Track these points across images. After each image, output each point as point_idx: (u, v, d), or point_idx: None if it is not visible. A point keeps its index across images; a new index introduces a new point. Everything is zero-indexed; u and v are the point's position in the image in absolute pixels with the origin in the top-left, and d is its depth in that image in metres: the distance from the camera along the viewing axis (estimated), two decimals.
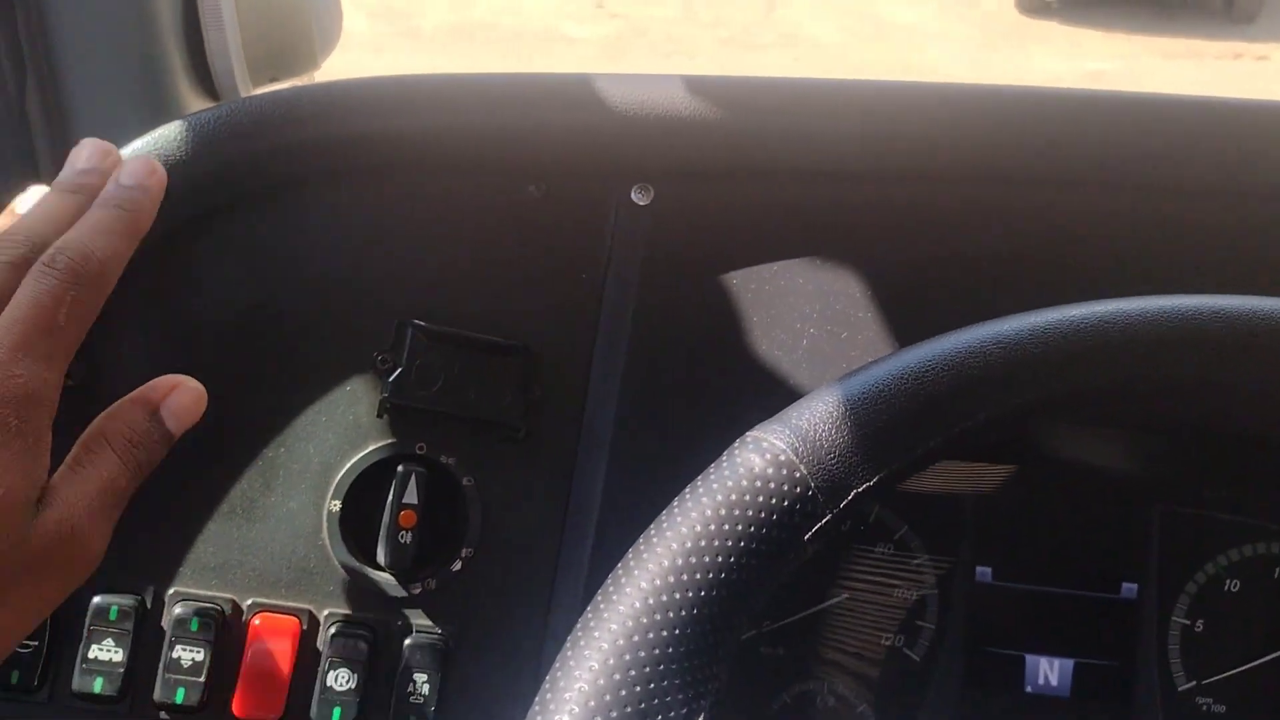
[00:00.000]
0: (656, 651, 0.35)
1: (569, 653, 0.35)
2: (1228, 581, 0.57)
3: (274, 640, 0.50)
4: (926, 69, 5.48)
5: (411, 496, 0.51)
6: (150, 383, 0.45)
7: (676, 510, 0.38)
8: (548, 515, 0.54)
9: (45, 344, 0.40)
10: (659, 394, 0.55)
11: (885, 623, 0.61)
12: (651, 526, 0.38)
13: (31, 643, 0.48)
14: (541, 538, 0.54)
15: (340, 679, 0.51)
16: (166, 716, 0.50)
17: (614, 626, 0.35)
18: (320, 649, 0.51)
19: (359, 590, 0.52)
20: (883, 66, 5.42)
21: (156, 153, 0.51)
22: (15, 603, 0.39)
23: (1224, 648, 0.57)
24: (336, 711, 0.51)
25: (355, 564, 0.52)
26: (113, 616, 0.49)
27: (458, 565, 0.53)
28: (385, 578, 0.52)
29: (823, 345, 0.55)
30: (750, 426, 0.41)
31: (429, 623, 0.53)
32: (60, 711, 0.49)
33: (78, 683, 0.48)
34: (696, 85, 0.55)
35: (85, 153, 0.47)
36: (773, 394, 0.55)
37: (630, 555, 0.38)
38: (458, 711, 0.53)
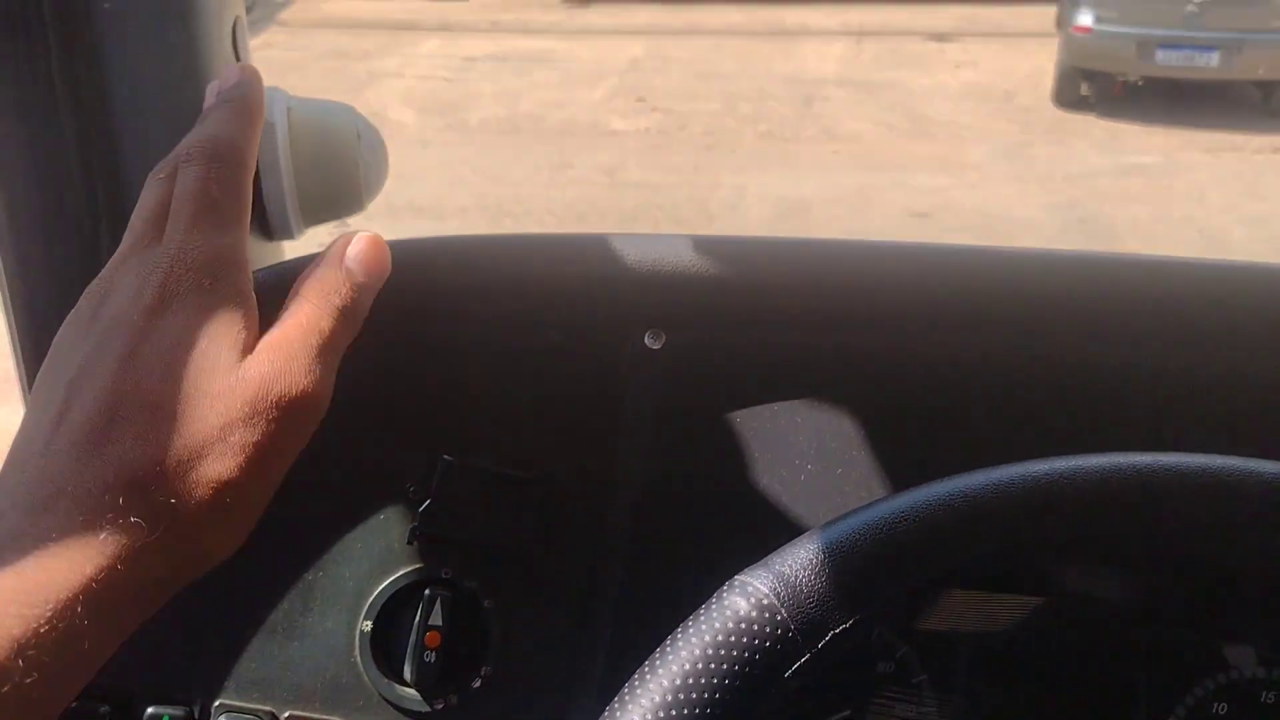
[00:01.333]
0: None
1: None
2: (1215, 705, 0.60)
3: None
4: (965, 164, 5.57)
5: (436, 619, 0.56)
6: (334, 241, 0.48)
7: (669, 649, 0.42)
8: (563, 634, 0.59)
9: (211, 217, 0.44)
10: (670, 523, 0.60)
11: None
12: (645, 664, 0.42)
13: None
14: (556, 656, 0.58)
15: None
16: None
17: None
18: None
19: (387, 705, 0.57)
20: (922, 160, 5.53)
21: None
22: (246, 451, 0.40)
23: None
24: None
25: (384, 681, 0.56)
26: None
27: (478, 682, 0.57)
28: (411, 694, 0.57)
29: (819, 481, 0.60)
30: (748, 559, 0.45)
31: None
32: None
33: None
34: (703, 245, 0.61)
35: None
36: (773, 525, 0.59)
37: (625, 690, 0.42)
38: None
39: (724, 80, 7.07)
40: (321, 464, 0.57)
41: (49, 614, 0.35)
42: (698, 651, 0.42)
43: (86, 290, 0.45)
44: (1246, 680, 0.59)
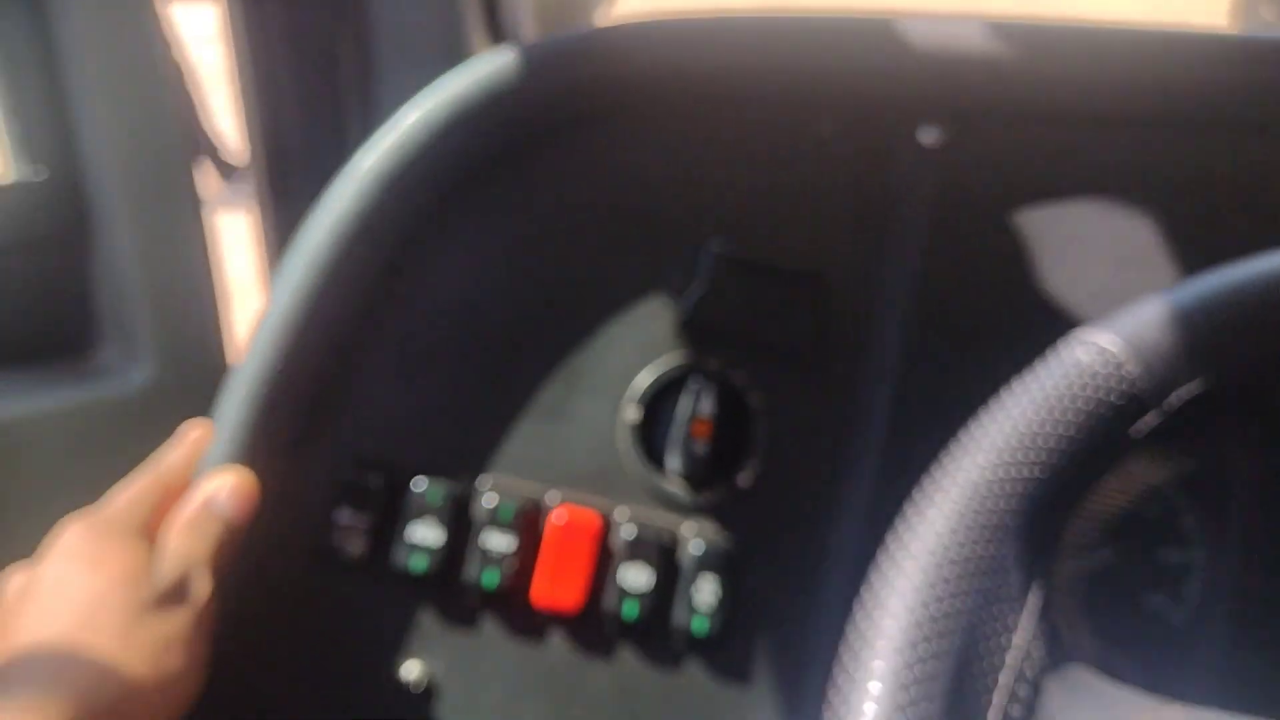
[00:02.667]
0: (995, 520, 0.36)
1: (914, 513, 0.36)
2: None
3: (575, 535, 0.53)
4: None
5: (706, 409, 0.54)
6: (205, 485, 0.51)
7: (1009, 400, 0.39)
8: (833, 438, 0.56)
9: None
10: (944, 327, 0.56)
11: (1150, 585, 0.61)
12: (985, 415, 0.39)
13: (362, 517, 0.52)
14: (826, 459, 0.56)
15: (634, 577, 0.54)
16: (476, 598, 0.53)
17: (954, 497, 0.36)
18: (614, 548, 0.54)
19: (651, 495, 0.55)
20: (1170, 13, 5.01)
21: (474, 89, 0.55)
22: (146, 658, 0.45)
23: None
24: (629, 606, 0.53)
25: (649, 471, 0.55)
26: (433, 500, 0.53)
27: (744, 480, 0.55)
28: (674, 485, 0.55)
29: (1113, 285, 0.56)
30: (1031, 363, 0.42)
31: (716, 531, 0.55)
32: (382, 583, 0.53)
33: (401, 558, 0.52)
34: (990, 29, 0.56)
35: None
36: (1057, 333, 0.56)
37: (967, 436, 0.39)
38: (742, 617, 0.55)
39: None
40: (594, 248, 0.55)
41: None
42: (1040, 403, 0.38)
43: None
44: None
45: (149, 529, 0.49)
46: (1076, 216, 0.56)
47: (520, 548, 0.53)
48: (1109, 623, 0.60)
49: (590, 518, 0.53)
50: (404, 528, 0.52)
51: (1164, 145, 0.56)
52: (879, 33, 0.57)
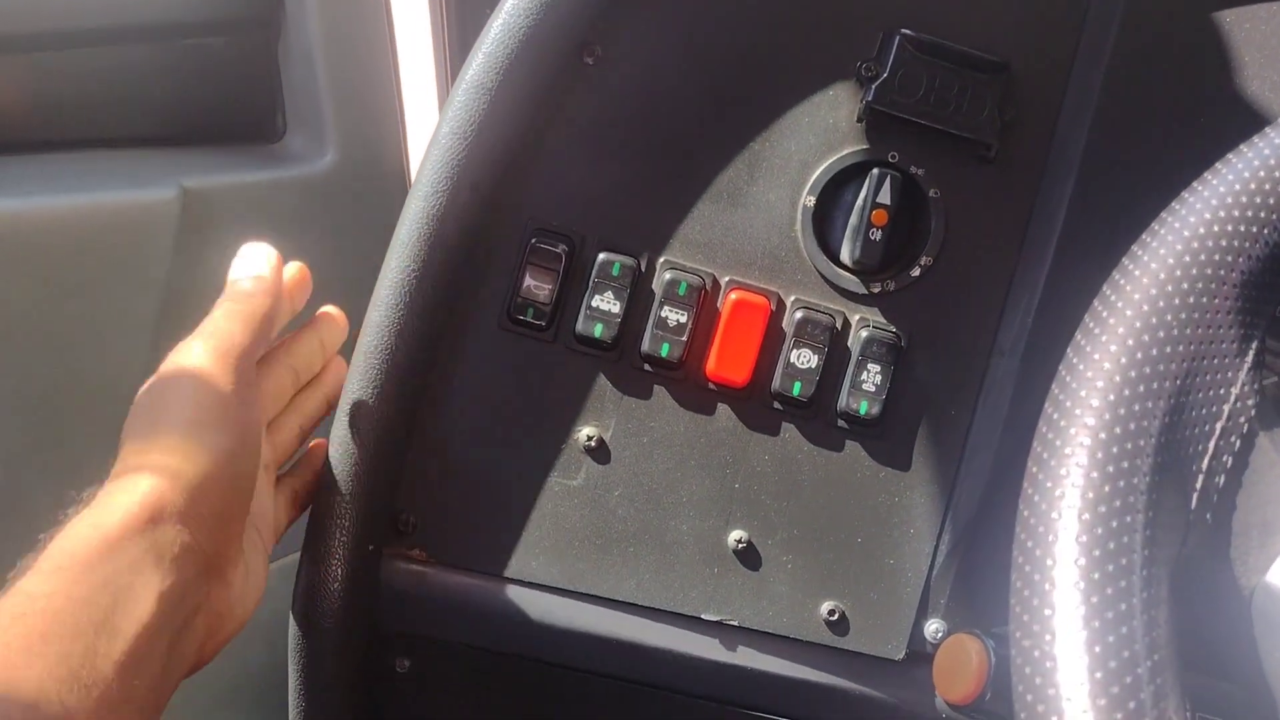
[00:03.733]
0: (1221, 271, 0.36)
1: (1130, 259, 0.37)
2: None
3: (747, 315, 0.55)
4: None
5: (885, 198, 0.54)
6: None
7: (1244, 151, 0.38)
8: (1008, 234, 0.56)
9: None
10: (1131, 122, 0.55)
11: None
12: (1209, 172, 0.39)
13: (545, 285, 0.55)
14: (999, 254, 0.56)
15: (802, 358, 0.55)
16: (649, 367, 0.56)
17: (1174, 244, 0.36)
18: (785, 329, 0.55)
19: (824, 282, 0.56)
20: None
21: None
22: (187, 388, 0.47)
23: None
24: (796, 385, 0.55)
25: (823, 258, 0.56)
26: (615, 272, 0.55)
27: (916, 271, 0.56)
28: (848, 274, 0.56)
29: None
30: (1220, 159, 0.40)
31: (885, 321, 0.56)
32: (563, 349, 0.56)
33: (581, 326, 0.55)
34: None
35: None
36: (1249, 129, 0.54)
37: (1187, 192, 0.38)
38: (904, 404, 0.56)
39: None
40: (775, 33, 0.55)
41: None
42: (1272, 161, 0.38)
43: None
44: None
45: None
46: (1276, 13, 0.54)
47: (695, 323, 0.55)
48: None
49: (760, 301, 0.55)
50: (587, 297, 0.55)
51: None
52: None
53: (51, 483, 0.68)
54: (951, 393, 0.57)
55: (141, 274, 0.65)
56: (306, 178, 0.72)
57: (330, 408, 0.56)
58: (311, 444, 0.57)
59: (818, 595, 0.57)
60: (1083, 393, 0.34)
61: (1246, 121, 0.54)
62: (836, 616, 0.57)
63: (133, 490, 0.44)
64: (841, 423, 0.56)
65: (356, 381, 0.53)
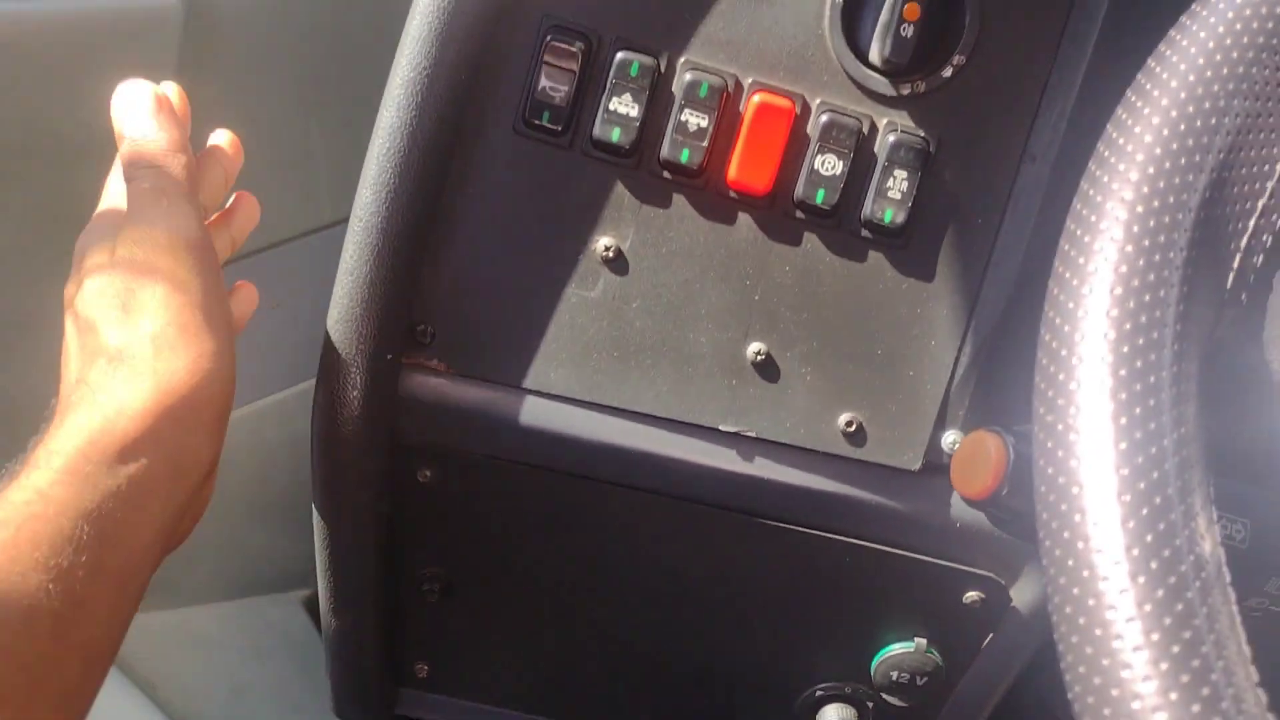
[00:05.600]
0: (1274, 40, 0.34)
1: (1176, 33, 0.35)
2: None
3: (770, 118, 0.53)
4: None
5: None
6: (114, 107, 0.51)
7: None
8: (1045, 31, 0.53)
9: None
10: None
11: None
12: None
13: (561, 87, 0.53)
14: (1035, 54, 0.53)
15: (827, 164, 0.53)
16: (669, 175, 0.54)
17: (1225, 14, 0.34)
18: (810, 134, 0.54)
19: (852, 84, 0.54)
20: None
21: None
22: (156, 296, 0.46)
23: None
24: (820, 193, 0.54)
25: (850, 58, 0.53)
26: (633, 73, 0.52)
27: (948, 71, 0.53)
28: (877, 76, 0.53)
29: None
30: None
31: (913, 125, 0.54)
32: (580, 155, 0.54)
33: (599, 130, 0.53)
34: None
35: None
36: None
37: None
38: (931, 211, 0.55)
39: None
40: None
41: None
42: None
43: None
44: None
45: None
46: None
47: (716, 127, 0.53)
48: None
49: (784, 104, 0.53)
50: (604, 100, 0.53)
51: None
52: None
53: (53, 294, 0.69)
54: (979, 200, 0.55)
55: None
56: None
57: (235, 250, 0.55)
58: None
59: (836, 407, 0.57)
60: (1121, 165, 0.32)
61: None
62: (854, 428, 0.57)
63: (140, 391, 0.43)
64: (865, 232, 0.55)
65: (369, 188, 0.52)
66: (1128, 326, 0.30)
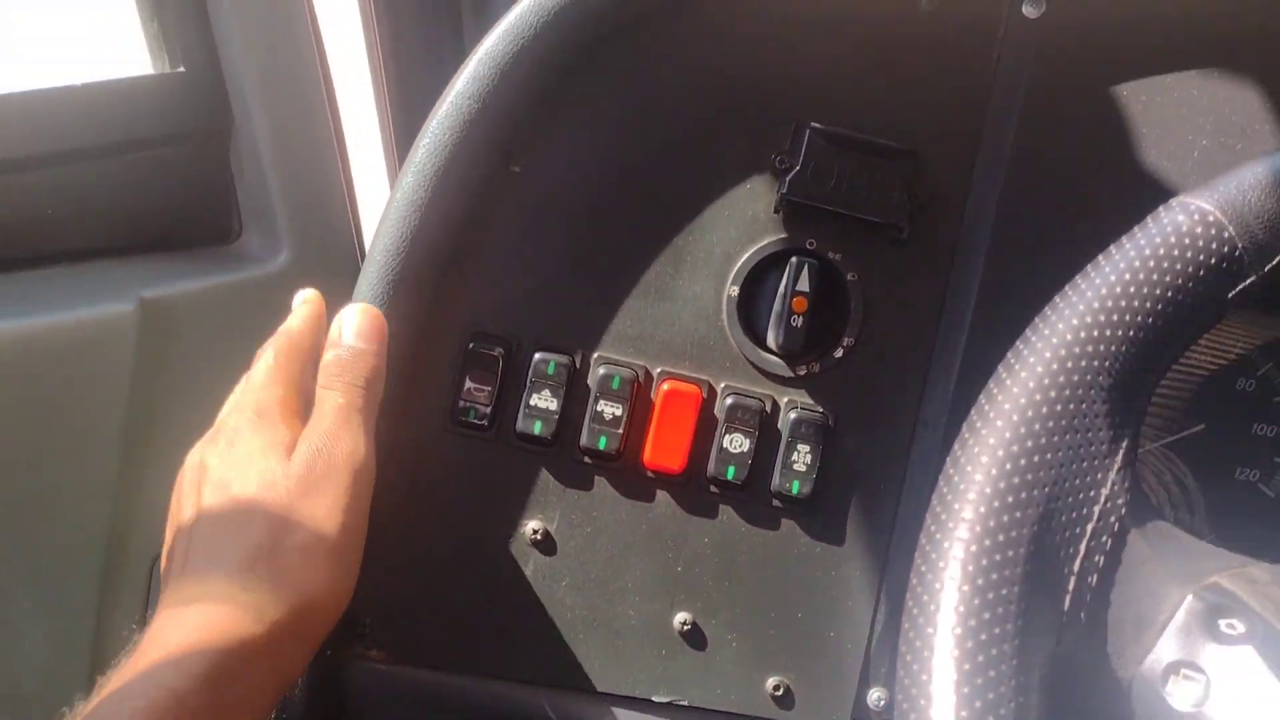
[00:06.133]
0: (1087, 377, 0.38)
1: (1005, 369, 0.39)
2: None
3: (679, 404, 0.57)
4: None
5: (804, 285, 0.56)
6: (331, 325, 0.55)
7: (1104, 262, 0.41)
8: (924, 312, 0.58)
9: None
10: (1040, 202, 0.57)
11: (1241, 457, 0.62)
12: (1079, 276, 0.41)
13: (485, 387, 0.57)
14: (918, 332, 0.58)
15: (735, 442, 0.57)
16: (589, 460, 0.58)
17: (1045, 354, 0.39)
18: (718, 415, 0.58)
19: (752, 368, 0.58)
20: None
21: None
22: (315, 517, 0.50)
23: None
24: (730, 469, 0.57)
25: (749, 345, 0.58)
26: (550, 371, 0.57)
27: (839, 352, 0.58)
28: (774, 359, 0.58)
29: (1215, 156, 0.56)
30: (1126, 233, 0.42)
31: (812, 401, 0.58)
32: (504, 448, 0.58)
33: (521, 424, 0.57)
34: None
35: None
36: (1152, 204, 0.56)
37: (1059, 298, 0.41)
38: (835, 481, 0.59)
39: None
40: (694, 132, 0.58)
41: (189, 677, 0.44)
42: (1137, 264, 0.40)
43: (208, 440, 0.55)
44: None
45: (297, 397, 0.55)
46: (1173, 86, 0.56)
47: (630, 415, 0.57)
48: (1202, 492, 0.61)
49: (691, 391, 0.57)
50: (525, 396, 0.57)
51: (1258, 10, 0.56)
52: None
53: (27, 597, 0.71)
54: (880, 468, 0.59)
55: (104, 387, 0.68)
56: (263, 278, 0.75)
57: None
58: None
59: (763, 671, 0.59)
60: (956, 505, 0.36)
61: (1146, 192, 0.57)
62: (782, 691, 0.59)
63: (279, 601, 0.48)
64: (776, 502, 0.58)
65: None
66: (968, 667, 0.33)
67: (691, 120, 0.58)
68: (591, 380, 0.58)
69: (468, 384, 0.57)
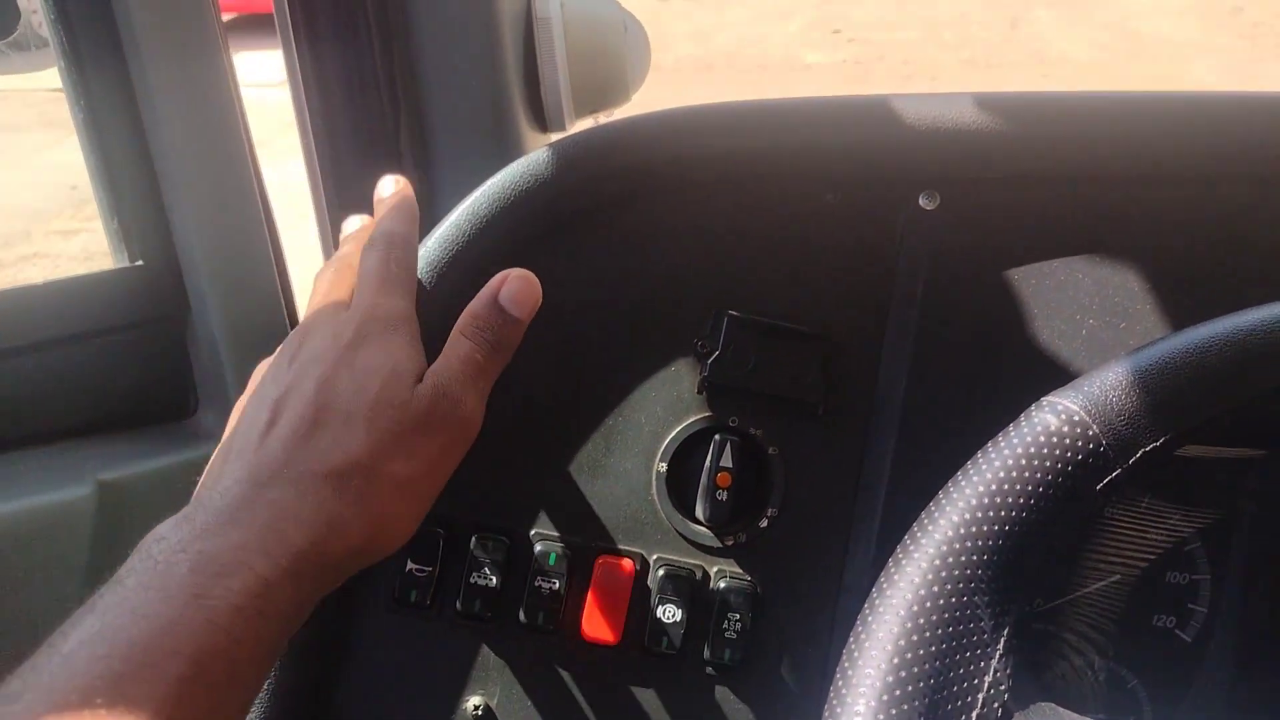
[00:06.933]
0: (967, 571, 0.41)
1: (893, 563, 0.42)
2: None
3: (614, 577, 0.60)
4: (1192, 83, 5.19)
5: (727, 461, 0.60)
6: (492, 279, 0.56)
7: (980, 460, 0.44)
8: (843, 482, 0.62)
9: (390, 286, 0.55)
10: (945, 377, 0.62)
11: (1157, 604, 0.65)
12: (959, 474, 0.45)
13: (426, 568, 0.60)
14: (837, 502, 0.62)
15: (668, 613, 0.60)
16: (528, 635, 0.60)
17: (929, 550, 0.42)
18: (651, 587, 0.61)
19: (682, 540, 0.61)
20: (1143, 82, 5.14)
21: (516, 183, 0.62)
22: (418, 454, 0.50)
23: None
24: (664, 639, 0.60)
25: (679, 517, 0.61)
26: (489, 551, 0.60)
27: (764, 523, 0.61)
28: (703, 531, 0.61)
29: (1101, 334, 0.60)
30: (1022, 411, 0.47)
31: (741, 570, 0.61)
32: (446, 626, 0.60)
33: (462, 602, 0.60)
34: (978, 102, 0.62)
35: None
36: (1053, 379, 0.60)
37: (941, 494, 0.44)
38: (765, 647, 0.61)
39: (922, 6, 6.82)
40: (621, 320, 0.62)
41: (277, 569, 0.43)
42: (1010, 463, 0.44)
43: (285, 341, 0.55)
44: None
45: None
46: (1060, 270, 0.61)
47: (567, 589, 0.60)
48: (1118, 642, 0.64)
49: (627, 563, 0.60)
50: (465, 574, 0.60)
51: (1147, 199, 0.61)
52: (875, 111, 0.62)
53: None
54: (807, 633, 0.62)
55: (63, 569, 0.70)
56: None
57: None
58: None
59: None
60: (849, 699, 0.39)
61: (1040, 366, 0.61)
62: None
63: (352, 524, 0.47)
64: (710, 670, 0.61)
65: None
66: None
67: (620, 311, 0.62)
68: (529, 557, 0.60)
69: (409, 565, 0.60)
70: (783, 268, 0.62)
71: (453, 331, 0.54)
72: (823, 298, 0.62)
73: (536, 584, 0.60)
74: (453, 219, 0.60)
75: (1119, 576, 0.65)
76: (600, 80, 0.80)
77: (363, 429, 0.49)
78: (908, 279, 0.62)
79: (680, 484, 0.62)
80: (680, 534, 0.61)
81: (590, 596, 0.60)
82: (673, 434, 0.62)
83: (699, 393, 0.62)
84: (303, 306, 0.83)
